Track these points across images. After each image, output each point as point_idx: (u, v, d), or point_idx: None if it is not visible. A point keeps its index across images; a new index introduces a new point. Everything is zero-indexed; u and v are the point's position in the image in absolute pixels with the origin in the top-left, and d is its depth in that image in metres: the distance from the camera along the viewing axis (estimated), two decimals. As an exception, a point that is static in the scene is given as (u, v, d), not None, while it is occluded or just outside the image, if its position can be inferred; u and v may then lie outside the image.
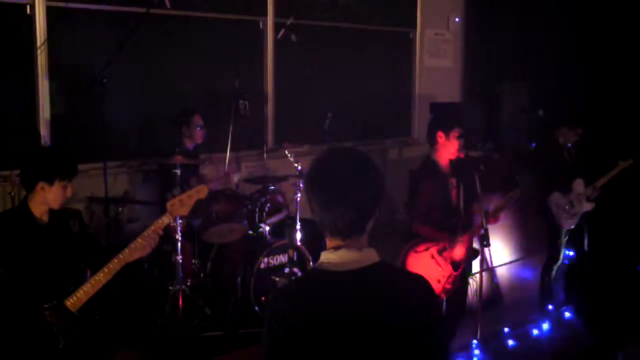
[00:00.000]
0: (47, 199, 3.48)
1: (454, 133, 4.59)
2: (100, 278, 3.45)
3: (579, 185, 5.76)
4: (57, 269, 3.50)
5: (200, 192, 3.70)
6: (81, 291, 3.44)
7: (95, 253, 3.70)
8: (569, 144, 5.81)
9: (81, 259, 3.65)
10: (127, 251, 3.49)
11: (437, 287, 4.44)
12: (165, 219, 3.61)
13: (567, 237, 5.93)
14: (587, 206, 5.78)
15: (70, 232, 3.64)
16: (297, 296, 2.02)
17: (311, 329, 1.94)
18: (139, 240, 3.52)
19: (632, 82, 7.09)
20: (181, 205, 3.64)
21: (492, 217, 4.71)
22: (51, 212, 3.56)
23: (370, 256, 2.03)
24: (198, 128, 5.87)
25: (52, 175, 3.46)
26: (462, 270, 4.61)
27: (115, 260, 3.47)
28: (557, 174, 5.76)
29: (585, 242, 5.94)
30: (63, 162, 3.51)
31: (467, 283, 4.89)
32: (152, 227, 3.57)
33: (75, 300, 3.43)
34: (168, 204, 3.64)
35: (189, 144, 5.90)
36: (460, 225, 4.58)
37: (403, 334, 1.96)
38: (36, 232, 3.50)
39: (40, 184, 3.46)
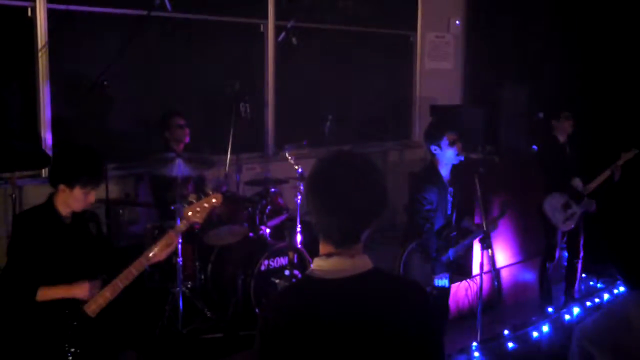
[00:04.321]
0: (68, 200, 3.49)
1: (450, 137, 4.56)
2: (119, 284, 3.47)
3: (576, 184, 5.77)
4: (74, 270, 3.51)
5: (216, 199, 3.74)
6: (100, 297, 3.45)
7: (109, 257, 3.72)
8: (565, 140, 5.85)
9: (96, 262, 3.66)
10: (144, 260, 3.51)
11: None
12: (182, 226, 3.66)
13: (565, 239, 5.94)
14: (590, 205, 5.76)
15: (89, 234, 3.67)
16: (286, 304, 2.00)
17: (300, 336, 1.93)
18: (156, 248, 3.54)
19: (631, 82, 7.10)
20: (198, 212, 3.68)
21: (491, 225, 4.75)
22: (74, 213, 3.57)
23: (363, 264, 1.98)
24: (178, 128, 5.75)
25: (73, 182, 3.45)
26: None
27: (134, 270, 3.49)
28: (555, 174, 5.77)
29: (581, 243, 5.95)
30: (86, 171, 3.47)
31: (448, 286, 4.86)
32: (170, 234, 3.60)
33: (95, 307, 3.44)
34: (184, 211, 3.68)
35: (176, 147, 5.75)
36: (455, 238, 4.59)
37: (396, 342, 1.92)
38: (61, 231, 3.51)
39: (62, 186, 3.47)
